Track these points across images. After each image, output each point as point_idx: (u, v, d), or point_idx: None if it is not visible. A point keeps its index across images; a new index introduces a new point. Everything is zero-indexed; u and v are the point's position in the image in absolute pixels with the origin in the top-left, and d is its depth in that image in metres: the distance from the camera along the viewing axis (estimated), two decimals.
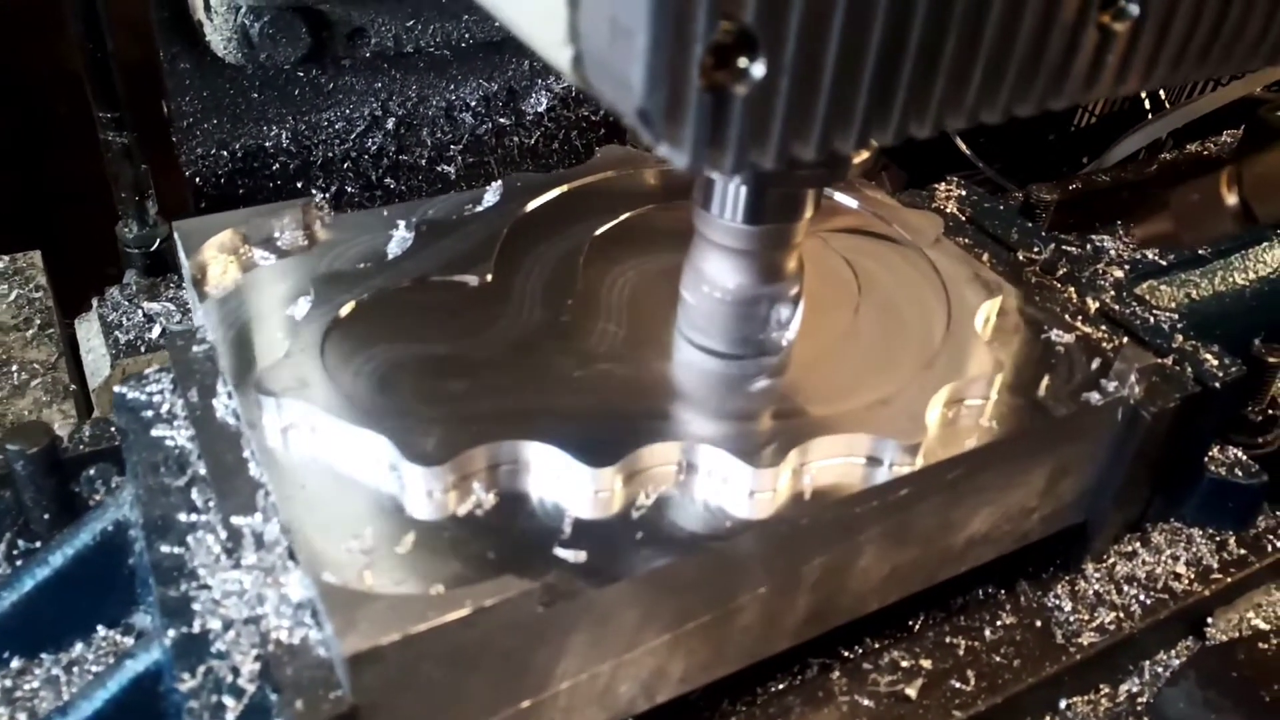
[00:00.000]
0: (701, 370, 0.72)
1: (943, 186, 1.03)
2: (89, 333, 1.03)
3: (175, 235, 0.80)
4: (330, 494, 0.63)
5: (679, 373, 0.72)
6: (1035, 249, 0.94)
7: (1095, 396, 0.75)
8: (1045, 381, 0.76)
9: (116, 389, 0.74)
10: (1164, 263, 0.96)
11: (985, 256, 0.93)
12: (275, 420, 0.66)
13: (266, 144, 0.98)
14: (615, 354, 0.73)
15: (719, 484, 0.65)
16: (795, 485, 0.66)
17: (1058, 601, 0.84)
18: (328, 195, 1.03)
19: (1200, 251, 0.99)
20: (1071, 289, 0.90)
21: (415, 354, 0.71)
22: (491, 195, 0.88)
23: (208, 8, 0.89)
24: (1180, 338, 0.85)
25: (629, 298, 0.78)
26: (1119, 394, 0.75)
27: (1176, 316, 0.87)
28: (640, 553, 0.61)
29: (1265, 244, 1.00)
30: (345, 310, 0.73)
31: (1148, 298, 0.96)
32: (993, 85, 0.45)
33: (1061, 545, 0.86)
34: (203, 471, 0.67)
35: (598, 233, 0.84)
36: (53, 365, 0.97)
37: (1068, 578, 0.86)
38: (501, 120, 1.07)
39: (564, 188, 0.89)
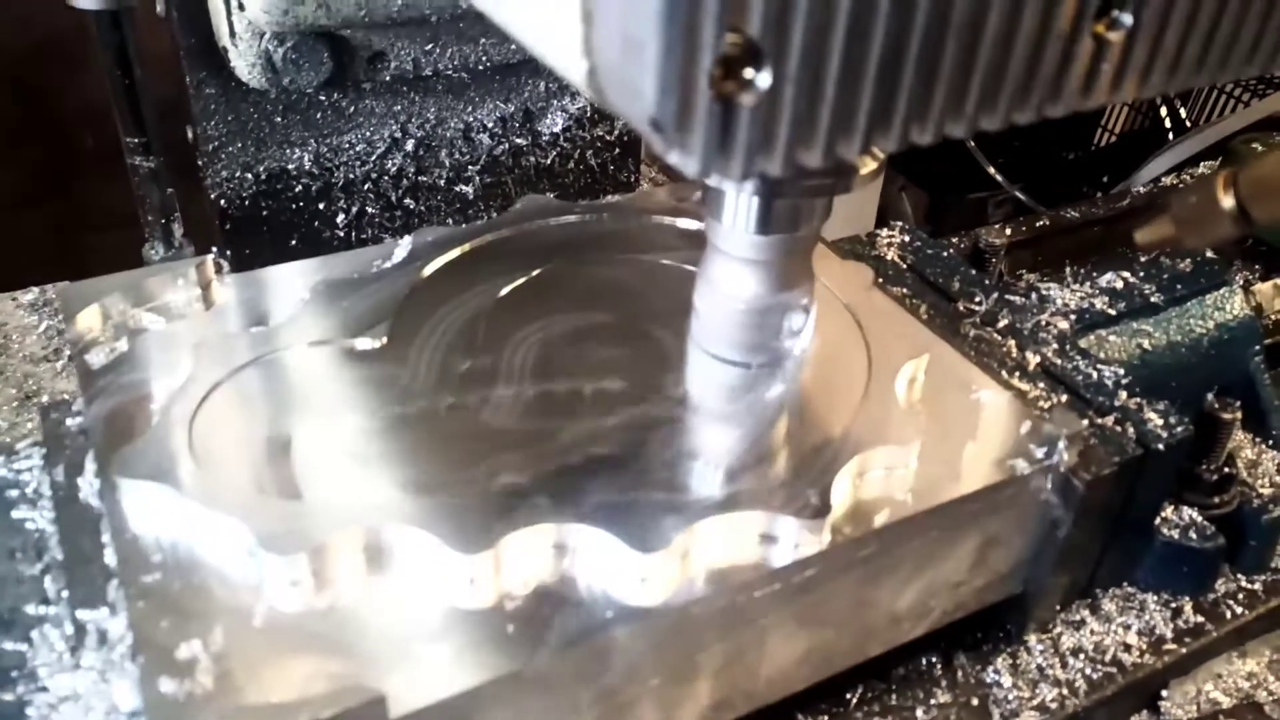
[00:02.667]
0: (594, 444, 0.68)
1: (885, 232, 0.99)
2: None
3: (58, 300, 0.76)
4: (183, 585, 0.58)
5: (569, 447, 0.67)
6: (977, 299, 0.90)
7: (1023, 464, 0.70)
8: (970, 448, 0.71)
9: None
10: (1113, 312, 0.92)
11: (923, 308, 0.88)
12: (131, 503, 0.62)
13: (289, 166, 0.99)
14: (506, 426, 0.69)
15: (603, 569, 0.60)
16: (688, 569, 0.61)
17: (997, 676, 0.79)
18: (349, 216, 1.05)
19: (1154, 299, 0.94)
20: (1012, 342, 0.85)
21: (288, 429, 0.67)
22: (401, 251, 0.85)
23: (233, 34, 0.91)
24: (1124, 395, 0.80)
25: (531, 363, 0.74)
26: (1048, 461, 0.71)
27: (1121, 371, 0.82)
28: (513, 648, 0.57)
29: (1223, 290, 0.95)
30: (221, 381, 0.69)
31: (1096, 350, 0.91)
32: (991, 93, 0.47)
33: (1005, 613, 0.81)
34: (61, 558, 0.63)
35: (504, 292, 0.80)
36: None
37: (1009, 650, 0.81)
38: (518, 141, 1.09)
39: (475, 242, 0.85)
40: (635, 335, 0.77)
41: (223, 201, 0.99)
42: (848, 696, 0.77)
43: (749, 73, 0.40)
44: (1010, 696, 0.77)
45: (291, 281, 0.81)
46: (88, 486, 0.66)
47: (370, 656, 0.56)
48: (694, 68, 0.39)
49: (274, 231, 1.01)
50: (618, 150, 1.16)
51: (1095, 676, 0.79)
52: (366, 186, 1.04)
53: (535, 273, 0.82)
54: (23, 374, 0.99)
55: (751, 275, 0.70)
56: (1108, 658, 0.80)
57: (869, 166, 0.65)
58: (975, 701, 0.77)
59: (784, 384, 0.73)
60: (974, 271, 0.94)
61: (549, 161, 1.12)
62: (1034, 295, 0.93)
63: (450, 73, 0.99)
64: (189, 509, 0.61)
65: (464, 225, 0.86)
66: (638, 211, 0.91)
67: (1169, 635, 0.83)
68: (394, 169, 1.04)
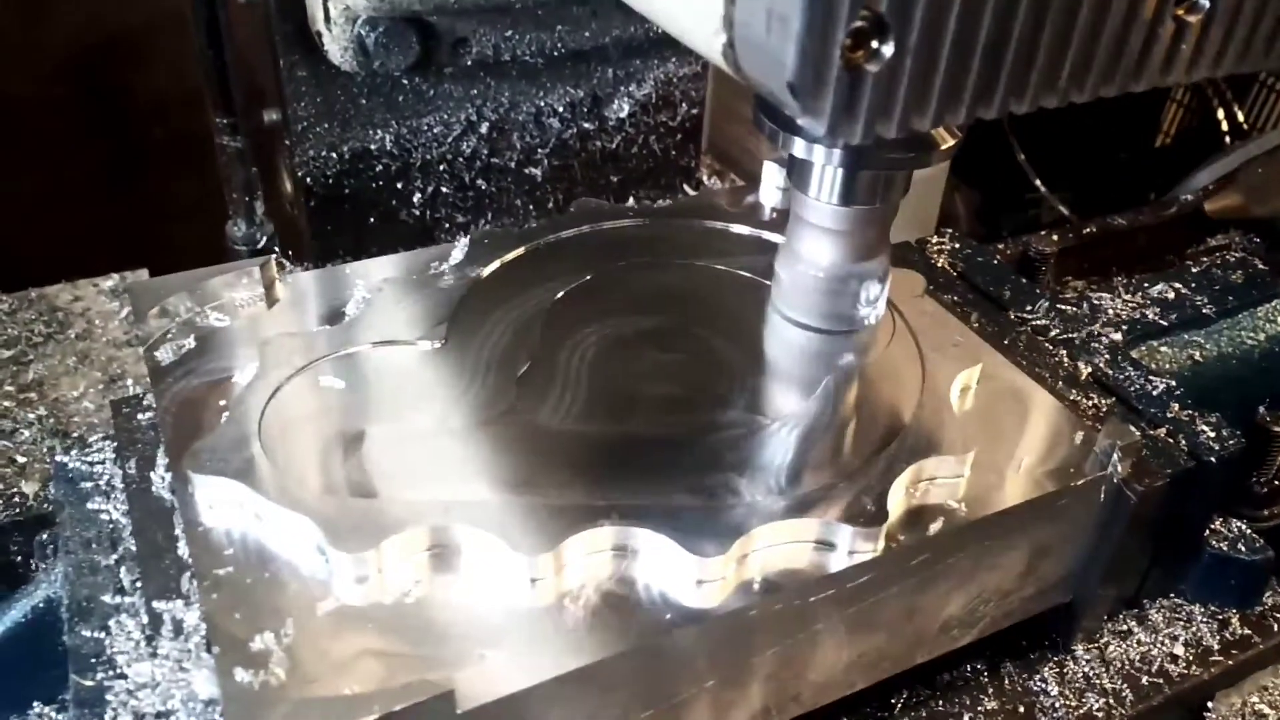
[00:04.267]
0: (652, 448, 0.69)
1: (935, 239, 0.99)
2: None
3: (128, 296, 0.78)
4: (255, 579, 0.60)
5: (629, 450, 0.68)
6: (1028, 308, 0.90)
7: (1076, 475, 0.70)
8: (1023, 458, 0.71)
9: (58, 458, 0.72)
10: (1165, 323, 0.92)
11: (974, 316, 0.89)
12: (203, 497, 0.64)
13: (371, 147, 1.04)
14: (566, 428, 0.70)
15: (662, 572, 0.62)
16: (744, 573, 0.62)
17: (1044, 685, 0.79)
18: (425, 195, 1.10)
19: (1205, 311, 0.94)
20: (1063, 352, 0.85)
21: (354, 428, 0.68)
22: (458, 253, 0.86)
23: (328, 19, 0.96)
24: (1176, 406, 0.80)
25: (587, 367, 0.75)
26: (1101, 473, 0.71)
27: (1174, 383, 0.82)
28: (574, 647, 0.58)
29: (1275, 302, 0.94)
30: (288, 379, 0.71)
31: (1147, 361, 0.91)
32: (1082, 69, 0.51)
33: (1052, 622, 0.81)
34: (135, 549, 0.65)
35: (559, 295, 0.81)
36: None
37: (1056, 659, 0.81)
38: (586, 125, 1.13)
39: (530, 245, 0.86)
40: (692, 339, 0.78)
41: (308, 179, 1.03)
42: (893, 701, 0.78)
43: (875, 44, 0.45)
44: (1057, 705, 0.78)
45: (352, 281, 0.82)
46: (159, 480, 0.68)
47: (436, 652, 0.57)
48: (829, 40, 0.44)
49: (355, 209, 1.06)
50: (679, 136, 1.20)
51: (1141, 687, 0.79)
52: (442, 167, 1.08)
53: (591, 276, 0.83)
54: (107, 358, 1.03)
55: (832, 244, 0.74)
56: (1154, 668, 0.80)
57: (947, 143, 0.69)
58: (1022, 709, 0.77)
59: (845, 389, 0.73)
60: (1024, 280, 0.94)
61: (614, 146, 1.16)
62: (1085, 305, 0.93)
63: (526, 58, 1.03)
64: (259, 505, 0.62)
65: (519, 228, 0.88)
66: (693, 216, 0.92)
67: (1216, 647, 0.83)
68: (468, 151, 1.09)
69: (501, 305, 0.80)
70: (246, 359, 0.74)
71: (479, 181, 1.09)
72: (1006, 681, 0.79)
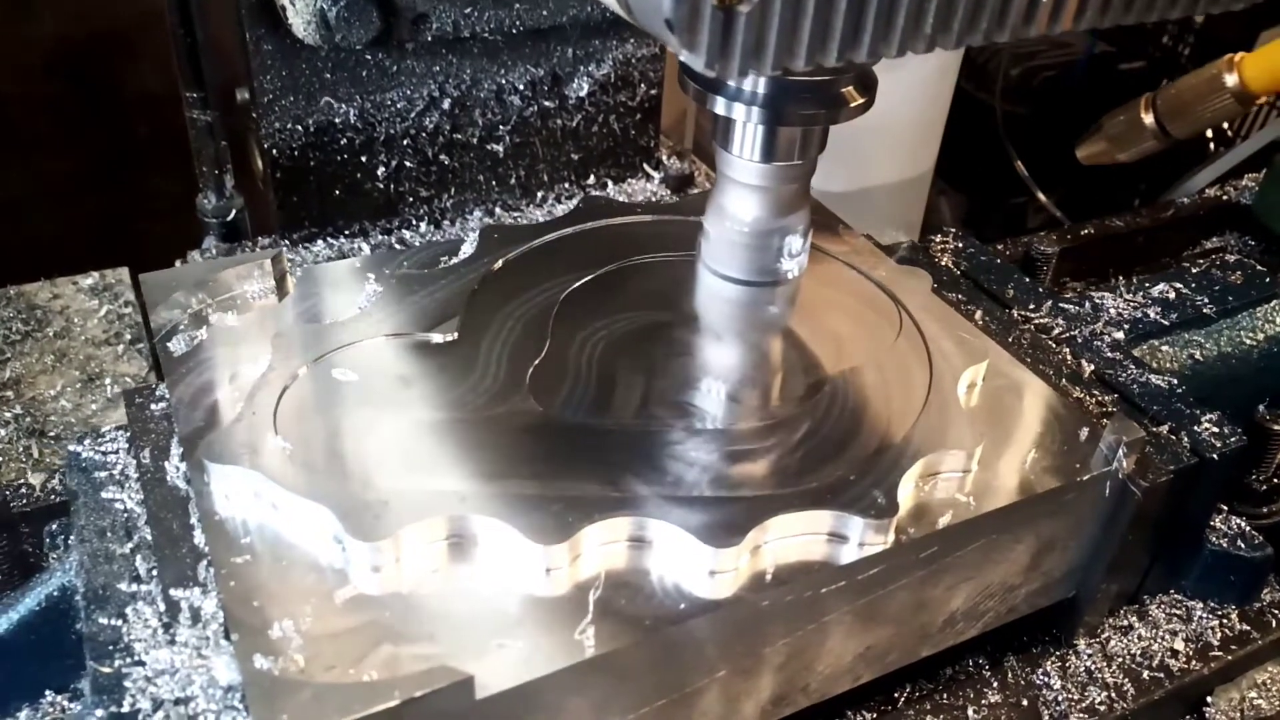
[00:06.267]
0: (665, 439, 0.69)
1: (938, 238, 1.00)
2: None
3: (141, 288, 0.79)
4: (271, 567, 0.61)
5: (642, 442, 0.69)
6: (1031, 307, 0.91)
7: (1082, 470, 0.71)
8: (1029, 453, 0.72)
9: (71, 448, 0.72)
10: (1166, 322, 0.93)
11: (978, 314, 0.90)
12: (219, 487, 0.64)
13: (336, 120, 1.05)
14: (579, 421, 0.71)
15: (675, 562, 0.62)
16: (757, 564, 0.63)
17: (1046, 679, 0.80)
18: (389, 169, 1.11)
19: (1205, 310, 0.95)
20: (1067, 350, 0.86)
21: (369, 419, 0.69)
22: (468, 246, 0.87)
23: None
24: (1178, 404, 0.81)
25: (600, 359, 0.76)
26: (1106, 468, 0.72)
27: (1176, 381, 0.83)
28: (588, 636, 0.59)
29: (1274, 303, 0.95)
30: (301, 371, 0.72)
31: (1148, 359, 0.92)
32: (945, 19, 0.54)
33: (1054, 617, 0.82)
34: (150, 538, 0.66)
35: (569, 290, 0.82)
36: (144, 379, 1.02)
37: (1058, 653, 0.82)
38: (546, 104, 1.14)
39: (540, 240, 0.87)
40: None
41: (274, 151, 1.05)
42: (896, 695, 0.79)
43: None
44: (1059, 699, 0.79)
45: (363, 275, 0.83)
46: (173, 470, 0.68)
47: (452, 640, 0.58)
48: None
49: (320, 181, 1.08)
50: (639, 116, 1.21)
51: (1143, 681, 0.80)
52: (405, 142, 1.09)
53: (602, 271, 0.84)
54: (85, 356, 1.03)
55: (756, 200, 0.77)
56: (1155, 663, 0.81)
57: (856, 101, 0.72)
58: (1025, 702, 0.78)
59: (855, 385, 0.74)
60: (1027, 279, 0.95)
61: (574, 124, 1.17)
62: (1087, 304, 0.94)
63: (486, 35, 1.04)
64: (276, 494, 0.63)
65: (528, 224, 0.88)
66: (699, 213, 0.92)
67: (1215, 643, 0.84)
68: (431, 126, 1.10)
69: (514, 298, 0.80)
70: (259, 351, 0.74)
71: (442, 157, 1.12)
72: (1009, 675, 0.80)
